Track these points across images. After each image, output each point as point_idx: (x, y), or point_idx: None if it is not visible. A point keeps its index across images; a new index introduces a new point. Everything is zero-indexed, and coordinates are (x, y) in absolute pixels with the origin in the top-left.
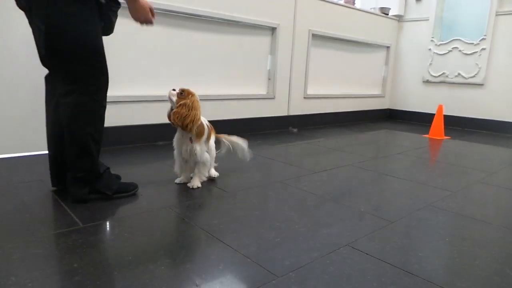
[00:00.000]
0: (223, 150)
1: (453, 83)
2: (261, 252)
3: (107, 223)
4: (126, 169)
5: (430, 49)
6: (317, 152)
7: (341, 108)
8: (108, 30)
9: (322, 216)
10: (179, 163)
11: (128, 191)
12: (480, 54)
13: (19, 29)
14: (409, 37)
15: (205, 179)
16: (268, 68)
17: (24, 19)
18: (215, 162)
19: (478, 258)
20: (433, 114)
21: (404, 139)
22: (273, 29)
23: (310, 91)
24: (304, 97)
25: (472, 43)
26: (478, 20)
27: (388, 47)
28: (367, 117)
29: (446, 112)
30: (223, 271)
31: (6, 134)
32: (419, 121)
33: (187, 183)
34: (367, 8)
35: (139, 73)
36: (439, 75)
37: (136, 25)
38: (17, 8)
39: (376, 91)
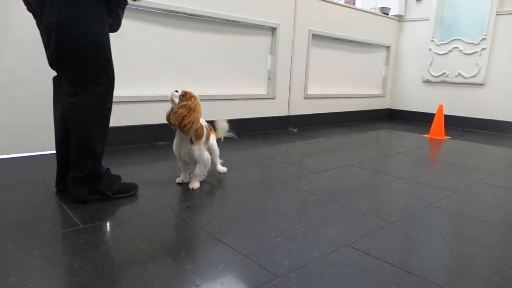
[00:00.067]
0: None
1: (454, 83)
2: (261, 252)
3: (107, 224)
4: (126, 169)
5: (430, 49)
6: (317, 152)
7: (341, 108)
8: (116, 26)
9: (322, 216)
10: (181, 164)
11: (128, 191)
12: (480, 54)
13: (16, 30)
14: (410, 37)
15: (204, 177)
16: (268, 68)
17: (22, 21)
18: (220, 158)
19: (478, 258)
20: (434, 114)
21: (404, 139)
22: (273, 29)
23: (310, 91)
24: (304, 97)
25: (473, 43)
26: (479, 20)
27: (388, 47)
28: (367, 117)
29: (447, 112)
30: (223, 271)
31: (6, 134)
32: (419, 121)
33: (188, 182)
34: (367, 8)
35: (139, 73)
36: (439, 75)
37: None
38: (15, 10)
39: (377, 91)
